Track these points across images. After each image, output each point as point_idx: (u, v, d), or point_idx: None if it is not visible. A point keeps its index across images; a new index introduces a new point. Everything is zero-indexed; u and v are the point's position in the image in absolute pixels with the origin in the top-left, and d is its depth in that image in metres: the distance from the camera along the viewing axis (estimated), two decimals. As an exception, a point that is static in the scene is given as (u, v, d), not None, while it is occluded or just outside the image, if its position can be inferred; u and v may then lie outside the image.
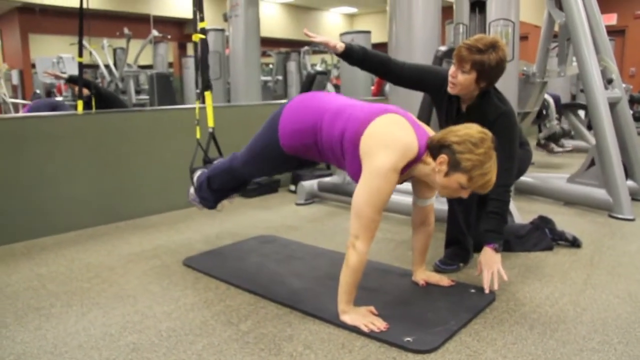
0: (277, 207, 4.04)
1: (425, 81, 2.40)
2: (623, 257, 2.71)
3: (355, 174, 1.93)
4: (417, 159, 1.87)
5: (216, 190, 2.68)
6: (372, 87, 7.84)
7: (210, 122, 2.93)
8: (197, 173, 2.78)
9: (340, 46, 2.26)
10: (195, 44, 2.93)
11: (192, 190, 2.80)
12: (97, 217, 3.57)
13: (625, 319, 2.00)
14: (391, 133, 1.86)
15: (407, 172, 1.91)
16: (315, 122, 2.05)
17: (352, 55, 2.30)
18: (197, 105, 2.98)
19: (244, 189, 2.78)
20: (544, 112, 5.67)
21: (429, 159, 1.88)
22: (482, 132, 1.82)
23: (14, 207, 3.21)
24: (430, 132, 2.00)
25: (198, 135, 2.90)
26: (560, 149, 5.84)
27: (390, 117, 1.92)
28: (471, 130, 1.83)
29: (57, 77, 5.58)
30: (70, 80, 4.99)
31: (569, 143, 6.13)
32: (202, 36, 2.92)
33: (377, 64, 2.35)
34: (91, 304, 2.24)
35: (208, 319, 2.06)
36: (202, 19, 2.91)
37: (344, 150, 1.97)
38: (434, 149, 1.86)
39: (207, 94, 2.94)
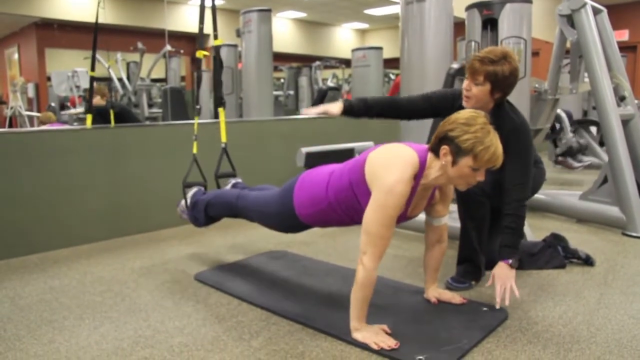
0: (288, 222, 4.04)
1: (436, 106, 2.44)
2: (637, 276, 2.68)
3: None
4: (422, 167, 1.92)
5: (210, 217, 2.75)
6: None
7: (223, 138, 2.97)
8: (193, 190, 2.84)
9: (339, 107, 2.34)
10: (197, 59, 2.99)
11: (182, 202, 2.86)
12: (109, 230, 3.60)
13: (640, 339, 1.98)
14: (389, 154, 1.94)
15: (420, 184, 1.94)
16: (325, 186, 2.12)
17: (353, 108, 2.36)
18: (195, 120, 3.03)
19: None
20: (558, 126, 5.60)
21: (434, 162, 1.92)
22: (473, 112, 1.89)
23: (29, 219, 3.25)
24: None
25: (195, 150, 2.96)
26: (579, 164, 5.69)
27: (383, 146, 2.01)
28: (461, 114, 1.89)
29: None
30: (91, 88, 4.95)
31: (587, 158, 5.96)
32: (206, 53, 2.97)
33: (382, 108, 2.43)
34: (103, 317, 2.25)
35: (220, 335, 2.06)
36: (215, 37, 2.96)
37: (357, 195, 2.00)
38: (434, 146, 1.91)
39: (220, 110, 2.99)
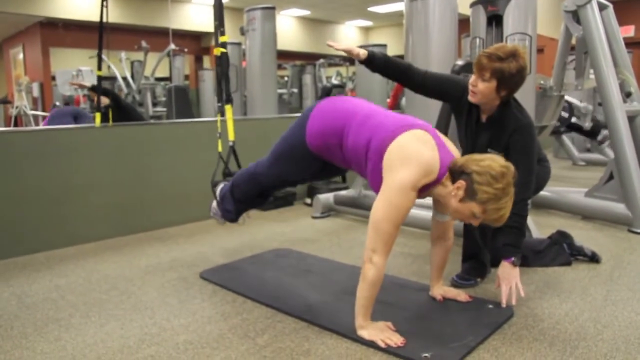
0: (294, 220, 4.05)
1: (446, 91, 2.40)
2: (644, 273, 2.67)
3: (375, 185, 1.95)
4: (436, 181, 1.88)
5: (239, 201, 2.66)
6: (388, 100, 7.85)
7: (231, 136, 2.95)
8: (220, 186, 2.78)
9: (363, 53, 2.28)
10: (217, 57, 2.96)
11: (214, 204, 2.79)
12: (115, 228, 3.61)
13: (647, 336, 1.97)
14: (416, 150, 1.87)
15: (425, 192, 1.92)
16: (343, 125, 2.07)
17: (374, 62, 2.32)
18: (218, 118, 2.99)
19: (265, 201, 2.76)
20: (567, 115, 5.35)
21: (448, 182, 1.89)
22: (505, 167, 1.82)
23: (35, 217, 3.26)
24: (455, 152, 1.99)
25: (220, 149, 2.91)
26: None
27: (418, 133, 1.93)
28: (494, 162, 1.82)
29: (81, 86, 5.67)
30: (94, 89, 5.04)
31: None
32: (224, 50, 2.94)
33: (398, 72, 2.37)
34: (109, 315, 2.26)
35: (225, 332, 2.06)
36: (222, 33, 2.94)
37: (367, 159, 1.98)
38: (455, 173, 1.87)
39: (228, 107, 2.96)
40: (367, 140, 1.98)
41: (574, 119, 5.31)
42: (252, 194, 2.62)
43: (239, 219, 2.78)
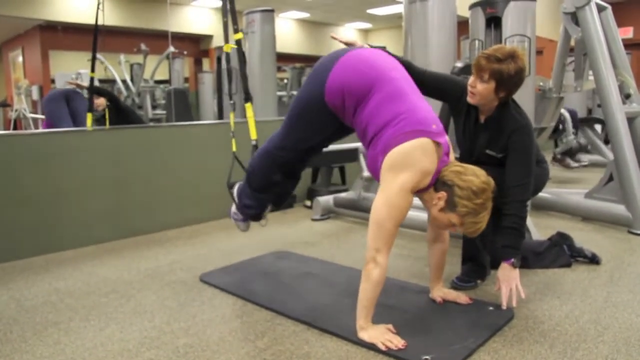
0: (293, 223, 4.04)
1: (445, 90, 2.40)
2: (644, 275, 2.66)
3: (372, 167, 2.02)
4: (426, 188, 1.95)
5: (258, 191, 2.53)
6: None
7: (253, 135, 2.84)
8: (236, 186, 2.68)
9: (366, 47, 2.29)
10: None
11: (233, 207, 2.73)
12: (114, 231, 3.60)
13: (648, 338, 1.97)
14: (418, 159, 1.87)
15: (415, 194, 1.97)
16: (369, 90, 1.99)
17: None
18: (231, 116, 2.90)
19: (292, 183, 2.56)
20: (561, 126, 5.62)
21: (432, 190, 1.96)
22: (485, 183, 1.89)
23: (33, 221, 3.25)
24: (451, 158, 2.03)
25: (234, 148, 2.79)
26: (576, 164, 5.82)
27: (426, 144, 1.89)
28: (476, 178, 1.89)
29: (79, 87, 5.67)
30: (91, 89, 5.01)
31: (585, 158, 6.08)
32: (234, 46, 2.89)
33: None
34: (108, 319, 2.25)
35: (225, 336, 2.06)
36: (236, 31, 2.89)
37: (372, 142, 1.98)
38: (439, 183, 1.94)
39: (248, 105, 2.85)
40: (382, 125, 1.94)
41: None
42: (270, 177, 2.47)
43: (262, 220, 2.69)
